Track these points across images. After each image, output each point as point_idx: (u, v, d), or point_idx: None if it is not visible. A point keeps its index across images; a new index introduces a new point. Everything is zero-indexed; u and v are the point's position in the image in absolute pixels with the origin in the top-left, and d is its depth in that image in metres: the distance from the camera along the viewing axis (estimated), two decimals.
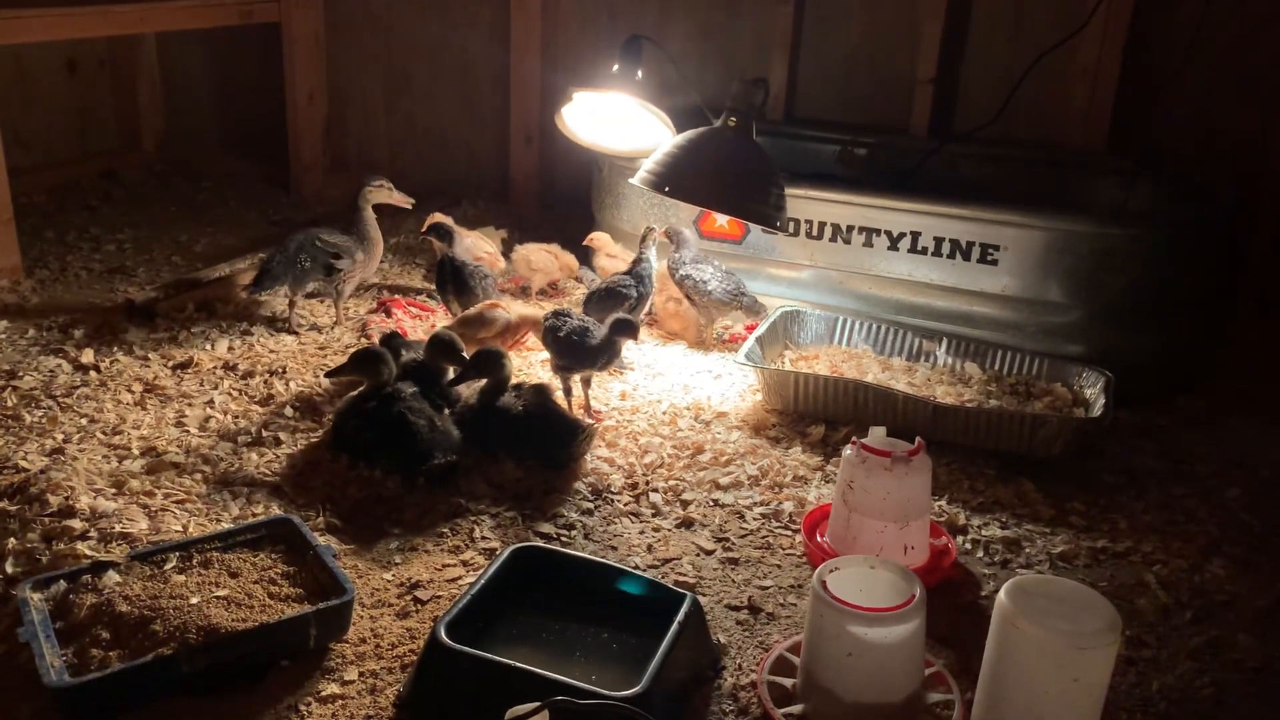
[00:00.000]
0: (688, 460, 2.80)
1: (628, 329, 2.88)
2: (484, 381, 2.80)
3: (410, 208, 3.70)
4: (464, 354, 2.88)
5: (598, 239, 3.81)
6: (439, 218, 3.48)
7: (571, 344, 2.90)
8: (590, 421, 2.92)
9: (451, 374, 2.91)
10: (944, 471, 2.78)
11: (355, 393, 2.81)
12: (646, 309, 3.46)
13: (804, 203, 3.43)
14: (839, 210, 3.43)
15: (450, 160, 5.04)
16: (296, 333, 3.49)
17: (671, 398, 3.19)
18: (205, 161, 5.26)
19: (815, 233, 3.47)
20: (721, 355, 3.53)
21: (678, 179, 3.12)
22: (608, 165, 3.88)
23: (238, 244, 4.28)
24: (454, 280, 3.26)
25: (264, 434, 2.79)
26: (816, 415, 3.01)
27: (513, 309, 3.27)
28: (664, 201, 3.68)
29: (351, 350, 2.89)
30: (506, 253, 4.22)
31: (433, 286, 3.82)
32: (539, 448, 2.69)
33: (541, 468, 2.67)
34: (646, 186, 3.17)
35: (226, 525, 2.35)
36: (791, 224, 3.46)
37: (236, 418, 2.88)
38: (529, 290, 3.86)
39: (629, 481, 2.68)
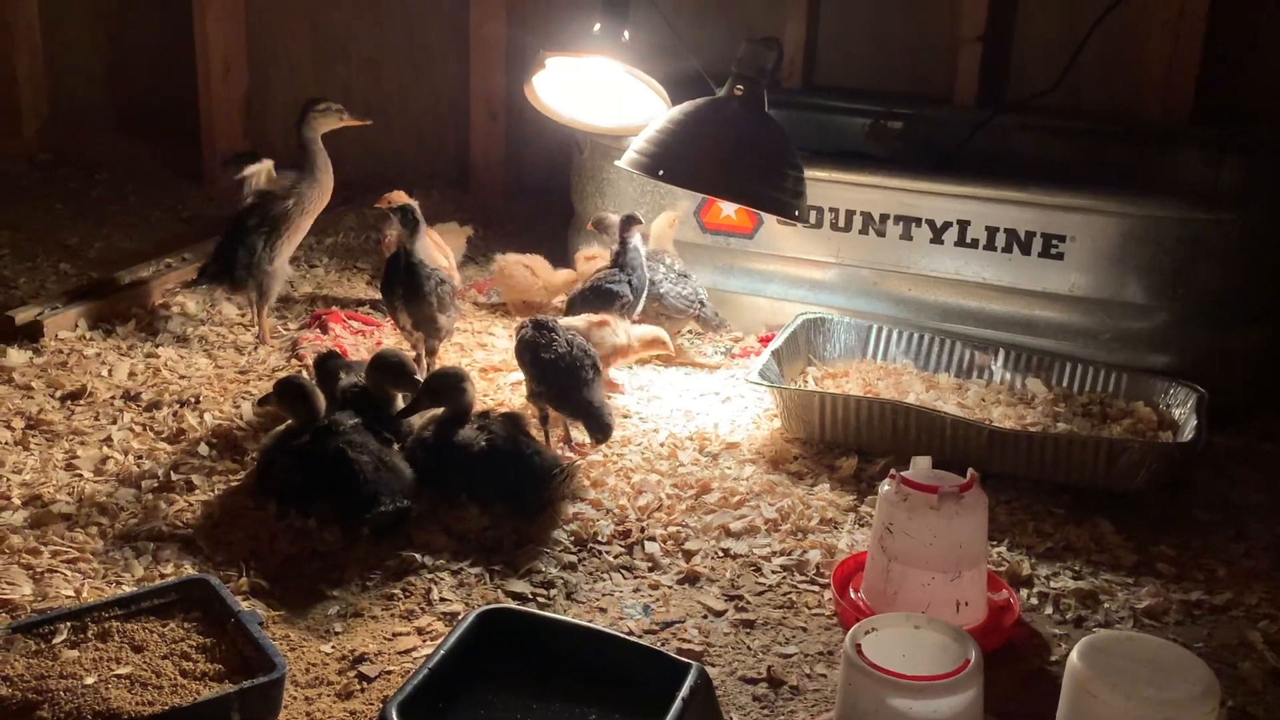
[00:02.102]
0: (691, 502, 2.81)
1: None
2: (441, 410, 2.81)
3: (368, 124, 3.76)
4: (415, 376, 2.90)
5: (604, 220, 3.74)
6: (403, 197, 3.45)
7: (556, 366, 2.91)
8: (571, 457, 2.93)
9: (401, 401, 2.92)
10: (1003, 511, 2.79)
11: (284, 426, 2.82)
12: (640, 309, 3.49)
13: (828, 187, 3.44)
14: (871, 196, 3.44)
15: (397, 142, 5.07)
16: (269, 344, 3.55)
17: (671, 426, 3.20)
18: (98, 149, 5.28)
19: (842, 223, 3.48)
20: (730, 374, 3.55)
21: (674, 161, 3.14)
22: (589, 145, 3.90)
23: (139, 247, 4.30)
24: (406, 283, 3.26)
25: (174, 477, 2.79)
26: (847, 445, 3.02)
27: (626, 329, 3.30)
28: (658, 188, 3.70)
29: (280, 376, 2.91)
30: (475, 257, 4.24)
31: (377, 296, 3.84)
32: (509, 489, 2.69)
33: (513, 514, 2.68)
34: (636, 170, 3.19)
35: (129, 589, 2.35)
36: (813, 213, 3.48)
37: (140, 458, 2.89)
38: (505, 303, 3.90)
39: (620, 529, 2.68)
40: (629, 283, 3.42)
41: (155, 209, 4.76)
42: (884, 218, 3.42)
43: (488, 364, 3.53)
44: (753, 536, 2.68)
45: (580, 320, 3.26)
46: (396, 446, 2.77)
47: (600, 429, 2.89)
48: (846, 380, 3.31)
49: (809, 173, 3.29)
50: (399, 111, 5.05)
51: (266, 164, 3.66)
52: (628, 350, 3.32)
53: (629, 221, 3.43)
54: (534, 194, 4.81)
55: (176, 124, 5.17)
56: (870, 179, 3.42)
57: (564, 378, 2.90)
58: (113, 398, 3.19)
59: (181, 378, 3.33)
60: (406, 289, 3.25)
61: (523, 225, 4.61)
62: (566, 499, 2.75)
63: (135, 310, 3.76)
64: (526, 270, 3.90)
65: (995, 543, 2.67)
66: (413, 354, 3.28)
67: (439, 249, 3.87)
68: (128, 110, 5.48)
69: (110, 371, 3.34)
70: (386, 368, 2.92)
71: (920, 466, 2.38)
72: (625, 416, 3.23)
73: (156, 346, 3.53)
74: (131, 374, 3.34)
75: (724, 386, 3.45)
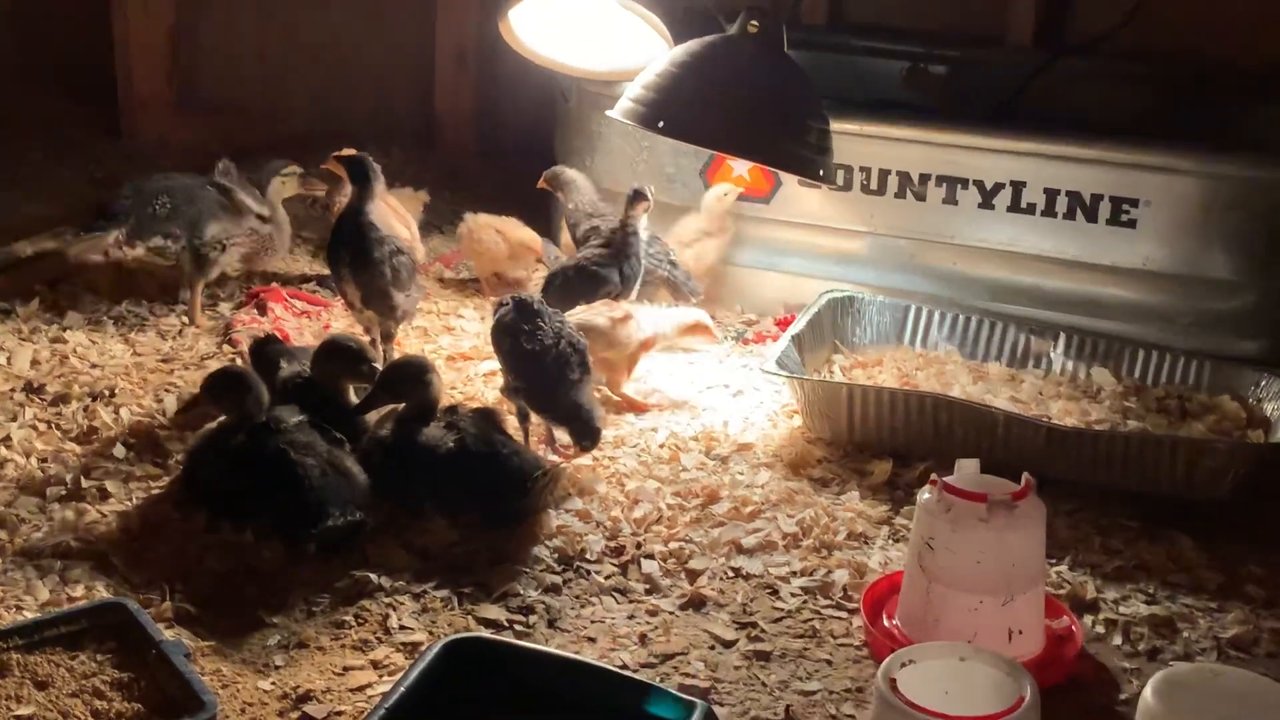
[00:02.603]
0: (696, 513, 2.80)
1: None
2: (401, 406, 2.80)
3: (323, 195, 3.96)
4: (372, 365, 2.89)
5: (559, 177, 3.79)
6: (352, 153, 3.49)
7: (539, 360, 2.90)
8: (555, 460, 2.92)
9: (355, 396, 2.91)
10: (1063, 523, 2.78)
11: (215, 423, 2.81)
12: (633, 297, 3.48)
13: (858, 142, 3.43)
14: (909, 153, 3.43)
15: (351, 91, 5.06)
16: (197, 326, 3.57)
17: (672, 424, 3.18)
18: None
19: (875, 185, 3.48)
20: (742, 361, 3.54)
21: (677, 110, 3.14)
22: (577, 93, 3.89)
23: (45, 213, 4.26)
24: (353, 247, 3.22)
25: (84, 484, 2.78)
26: (880, 446, 3.02)
27: (653, 317, 3.30)
28: (658, 144, 3.69)
29: (210, 370, 2.91)
30: (440, 225, 4.23)
31: (325, 271, 3.83)
32: (482, 498, 2.69)
33: (486, 527, 2.68)
34: (632, 122, 3.19)
35: (31, 615, 2.33)
36: (840, 173, 3.47)
37: (44, 461, 2.88)
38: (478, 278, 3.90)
39: (612, 544, 2.68)
40: (620, 270, 3.41)
41: (63, 169, 4.73)
42: (924, 178, 3.41)
43: (456, 351, 3.52)
44: (768, 554, 2.67)
45: (600, 318, 3.21)
46: (348, 448, 2.76)
47: (587, 434, 2.88)
48: (880, 370, 3.30)
49: (836, 125, 3.28)
50: (354, 55, 5.04)
51: (295, 170, 3.84)
52: (653, 343, 3.31)
53: (636, 198, 3.41)
54: (511, 152, 4.80)
55: (89, 71, 5.15)
56: (908, 132, 3.42)
57: (547, 375, 2.89)
58: (12, 390, 3.17)
59: (94, 366, 3.31)
60: (354, 255, 3.22)
61: (498, 189, 4.59)
62: (549, 509, 2.74)
63: (38, 287, 3.74)
64: (499, 236, 3.90)
65: (1054, 561, 2.66)
66: (368, 339, 3.28)
67: (400, 219, 3.86)
68: (31, 57, 5.45)
69: (9, 359, 3.33)
70: (337, 355, 2.91)
71: (966, 471, 2.37)
72: (617, 413, 3.22)
73: (64, 330, 3.52)
74: (34, 362, 3.32)
75: (735, 377, 3.44)
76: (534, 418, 2.99)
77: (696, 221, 3.73)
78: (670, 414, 3.24)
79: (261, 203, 3.78)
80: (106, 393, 3.16)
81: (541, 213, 4.12)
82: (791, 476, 2.95)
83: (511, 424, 2.94)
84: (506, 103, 4.81)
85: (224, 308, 3.74)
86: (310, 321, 3.67)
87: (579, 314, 3.21)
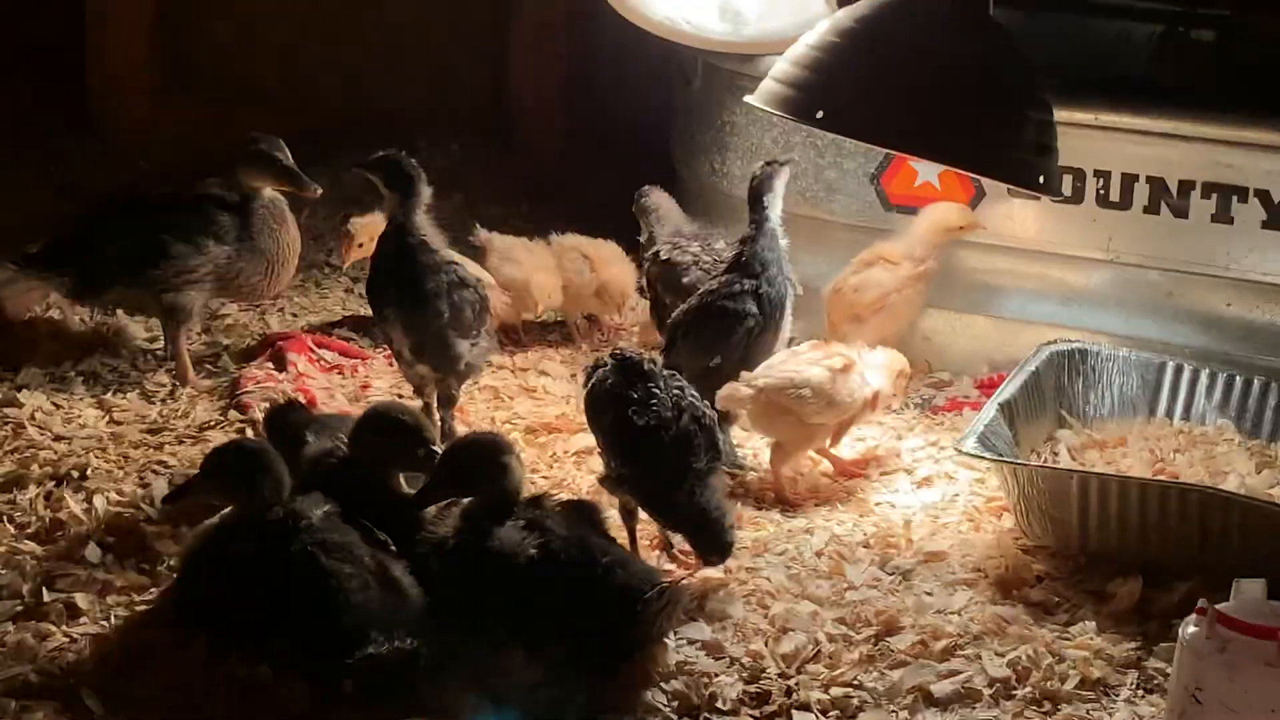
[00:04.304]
0: (868, 648, 2.79)
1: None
2: (468, 500, 2.84)
3: (316, 196, 3.91)
4: (431, 443, 2.92)
5: (641, 200, 3.89)
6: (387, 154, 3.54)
7: (654, 439, 2.93)
8: (674, 572, 2.95)
9: (406, 484, 2.95)
10: None
11: (219, 517, 2.85)
12: (787, 336, 3.53)
13: (1093, 137, 3.44)
14: (1163, 151, 3.42)
15: (396, 71, 5.18)
16: (197, 389, 3.65)
17: (832, 522, 3.20)
18: None
19: (1116, 196, 3.47)
20: (930, 437, 3.55)
21: (841, 96, 3.14)
22: (703, 72, 3.92)
23: None
24: (399, 276, 3.30)
25: (47, 596, 2.83)
26: (1125, 558, 3.00)
27: (874, 363, 3.36)
28: (810, 138, 3.73)
29: (212, 444, 2.95)
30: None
31: (365, 310, 3.91)
32: (575, 624, 2.70)
33: (581, 664, 2.68)
34: (779, 111, 3.20)
35: None
36: (1067, 180, 3.47)
37: None
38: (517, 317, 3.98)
39: (753, 689, 2.67)
40: (756, 293, 3.44)
41: (21, 174, 4.88)
42: (1185, 187, 3.41)
43: (538, 421, 3.58)
44: (969, 707, 2.65)
45: (815, 369, 3.26)
46: (396, 551, 2.79)
47: (716, 546, 2.91)
48: (1123, 453, 3.28)
49: (1061, 114, 3.26)
50: (405, 26, 5.16)
51: (375, 220, 3.82)
52: (879, 403, 3.36)
53: (764, 185, 3.45)
54: (610, 152, 4.88)
55: (53, 56, 5.29)
56: (1163, 123, 3.42)
57: (664, 463, 2.92)
58: None
59: (57, 439, 3.40)
60: (401, 288, 3.28)
61: (590, 197, 4.65)
62: (666, 639, 2.75)
63: None
64: (586, 265, 3.97)
65: None
66: (420, 404, 3.33)
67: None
68: None
69: None
70: (384, 431, 2.94)
71: (1249, 596, 2.34)
72: (758, 508, 3.24)
73: (18, 389, 3.62)
74: None
75: (920, 458, 3.45)
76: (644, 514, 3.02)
77: (889, 251, 3.76)
78: (830, 507, 3.25)
79: (306, 185, 3.79)
80: (75, 474, 3.23)
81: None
82: (1001, 599, 2.94)
83: (614, 522, 2.97)
84: (605, 86, 4.85)
85: (228, 360, 3.82)
86: (344, 379, 3.74)
87: (782, 366, 3.26)
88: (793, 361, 3.28)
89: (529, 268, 3.98)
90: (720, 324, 3.43)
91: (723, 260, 3.62)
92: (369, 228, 3.85)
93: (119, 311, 3.98)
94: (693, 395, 3.01)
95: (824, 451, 3.39)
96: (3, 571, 2.93)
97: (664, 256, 3.75)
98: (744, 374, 3.29)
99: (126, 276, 3.74)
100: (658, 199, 3.79)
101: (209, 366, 3.80)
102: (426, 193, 3.35)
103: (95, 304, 3.91)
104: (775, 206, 3.46)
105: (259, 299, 4.01)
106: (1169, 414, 3.41)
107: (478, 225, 4.06)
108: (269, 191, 3.78)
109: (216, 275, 3.75)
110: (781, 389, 3.21)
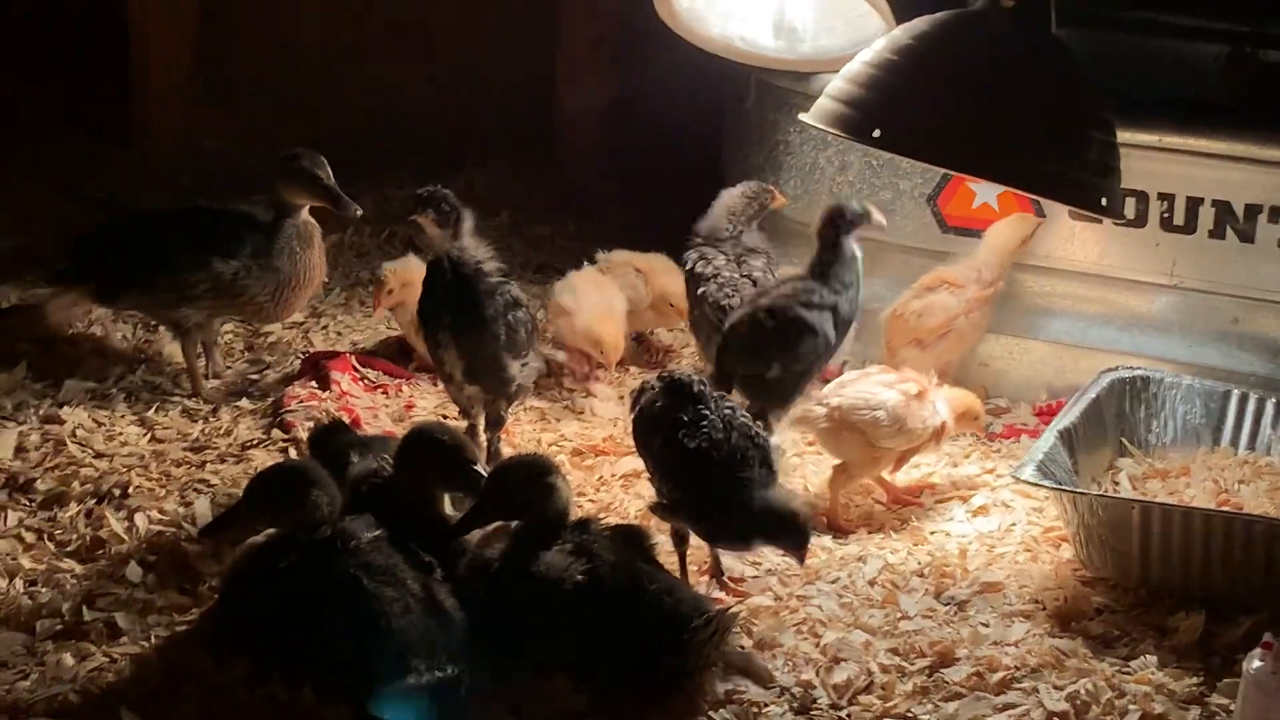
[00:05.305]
0: (922, 679, 2.77)
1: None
2: (513, 523, 2.83)
3: (356, 218, 3.89)
4: (473, 463, 2.92)
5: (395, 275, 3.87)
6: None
7: (705, 461, 2.91)
8: (724, 599, 2.93)
9: (450, 506, 2.95)
10: None
11: (263, 536, 2.85)
12: (847, 353, 3.53)
13: (1157, 159, 3.42)
14: (1230, 174, 3.40)
15: (448, 87, 5.17)
16: (213, 402, 3.67)
17: (886, 550, 3.18)
18: None
19: (1180, 219, 3.45)
20: (986, 464, 3.53)
21: (898, 115, 3.13)
22: (756, 89, 3.91)
23: (24, 246, 4.45)
24: (457, 301, 3.31)
25: (86, 616, 2.84)
26: (1188, 590, 2.97)
27: (943, 397, 3.36)
28: (868, 158, 3.72)
29: (254, 464, 2.95)
30: (553, 262, 4.29)
31: (411, 328, 3.89)
32: (621, 652, 2.69)
33: (628, 691, 2.68)
34: (835, 130, 3.19)
35: None
36: (1130, 202, 3.45)
37: (33, 584, 2.95)
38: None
39: (804, 718, 2.69)
40: (833, 310, 3.42)
41: (55, 184, 4.90)
42: (1253, 211, 3.39)
43: (585, 443, 3.57)
44: None
45: (889, 392, 3.26)
46: (441, 576, 2.79)
47: (796, 542, 2.88)
48: (1186, 483, 3.26)
49: (1124, 135, 3.25)
50: (447, 35, 5.17)
51: (408, 266, 3.86)
52: (945, 435, 3.35)
53: (843, 219, 3.43)
54: (656, 167, 4.88)
55: (89, 54, 5.31)
56: (1228, 146, 3.40)
57: (717, 481, 2.91)
58: None
59: (99, 456, 3.41)
60: (458, 311, 3.30)
61: (637, 216, 4.65)
62: (714, 668, 2.74)
63: (26, 346, 3.89)
64: (639, 279, 3.96)
65: None
66: (465, 425, 3.33)
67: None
68: (14, 36, 5.62)
69: None
70: (425, 449, 2.93)
71: None
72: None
73: (59, 406, 3.63)
74: (20, 449, 3.43)
75: (976, 487, 3.44)
76: (695, 539, 3.01)
77: (951, 275, 3.74)
78: (883, 535, 3.23)
79: (346, 206, 3.76)
80: (116, 492, 3.24)
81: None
82: (1059, 631, 2.91)
83: (663, 547, 2.96)
84: (656, 103, 4.85)
85: (271, 376, 3.83)
86: (388, 399, 3.74)
87: (855, 386, 3.26)
88: (865, 382, 3.28)
89: (597, 316, 3.91)
90: (791, 332, 3.39)
91: (746, 276, 3.66)
92: (401, 274, 3.85)
93: (160, 329, 3.98)
94: (744, 416, 3.00)
95: (879, 479, 3.36)
96: (43, 590, 2.95)
97: (688, 266, 3.75)
98: (816, 392, 3.33)
99: (135, 288, 3.77)
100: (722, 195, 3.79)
101: (255, 385, 3.83)
102: (470, 220, 3.35)
103: (116, 309, 3.98)
104: (852, 236, 3.45)
105: (267, 320, 4.02)
106: (1233, 443, 3.37)
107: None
108: (304, 213, 3.77)
109: (218, 292, 3.74)
110: (856, 408, 3.21)
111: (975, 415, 3.43)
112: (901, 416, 3.21)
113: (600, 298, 3.91)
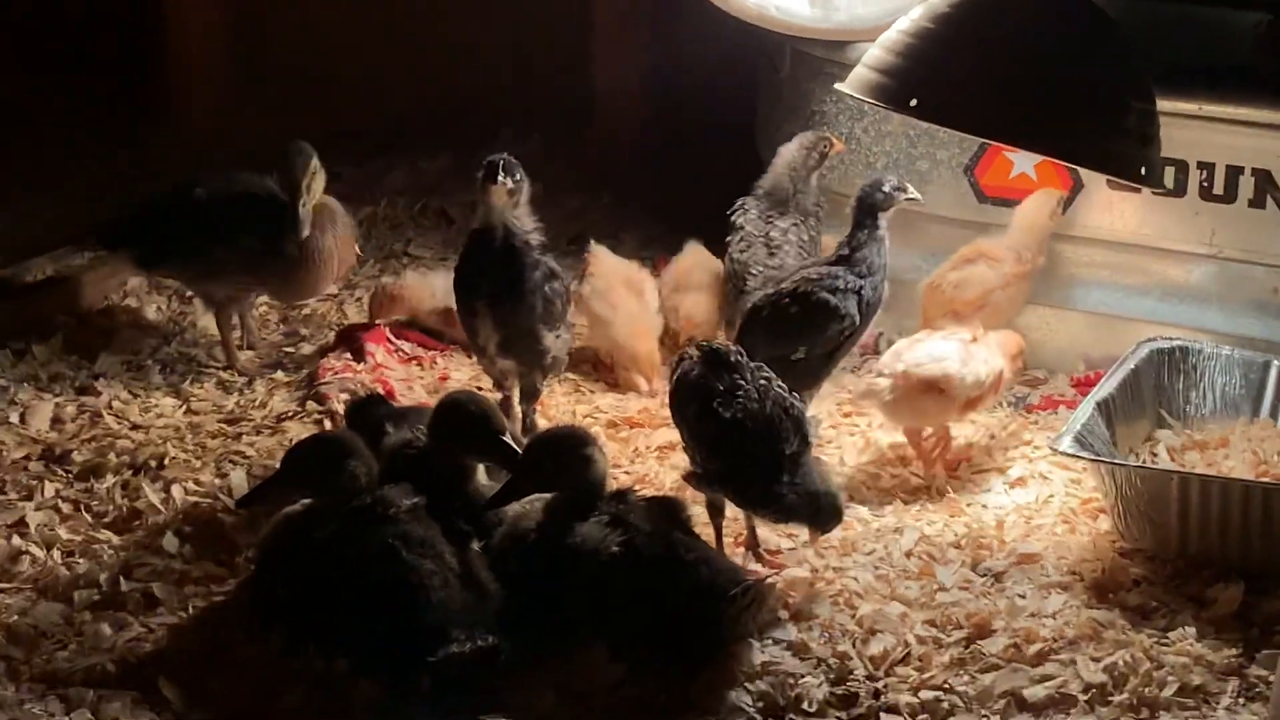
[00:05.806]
0: (959, 650, 2.78)
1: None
2: (550, 495, 2.85)
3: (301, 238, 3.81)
4: (501, 431, 2.92)
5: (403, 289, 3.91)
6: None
7: (740, 431, 2.92)
8: (759, 571, 2.94)
9: (485, 477, 2.96)
10: None
11: (297, 506, 2.87)
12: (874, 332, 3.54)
13: (1196, 128, 3.42)
14: (1268, 144, 3.40)
15: (482, 61, 5.18)
16: (247, 374, 3.71)
17: (922, 522, 3.19)
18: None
19: (1220, 189, 3.45)
20: (1024, 435, 3.53)
21: (935, 84, 3.12)
22: (791, 58, 3.91)
23: (59, 222, 4.47)
24: (501, 273, 3.31)
25: (124, 587, 2.87)
26: (1227, 562, 2.97)
27: (994, 344, 3.39)
28: (903, 127, 3.72)
29: (289, 435, 2.95)
30: (589, 235, 4.29)
31: (442, 305, 3.91)
32: (658, 622, 2.70)
33: (664, 662, 2.69)
34: (871, 99, 3.18)
35: None
36: (1170, 171, 3.44)
37: (70, 555, 2.99)
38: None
39: (839, 691, 2.67)
40: (859, 292, 3.42)
41: (92, 166, 4.92)
42: None
43: (620, 415, 3.59)
44: (1064, 712, 2.64)
45: (951, 342, 3.30)
46: (478, 546, 2.81)
47: (827, 515, 2.92)
48: (1225, 454, 3.25)
49: (1164, 103, 3.23)
50: (486, 14, 5.18)
51: (411, 280, 3.97)
52: (1000, 385, 3.38)
53: (884, 204, 3.43)
54: (691, 138, 4.88)
55: (121, 33, 5.32)
56: (1269, 115, 3.39)
57: (753, 454, 2.91)
58: (27, 458, 3.31)
59: (135, 428, 3.44)
60: (497, 284, 3.31)
61: (672, 187, 4.64)
62: (751, 639, 2.75)
63: (62, 319, 3.93)
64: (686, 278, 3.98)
65: None
66: (499, 397, 3.35)
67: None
68: (44, 12, 5.64)
69: (22, 417, 3.48)
70: (453, 418, 2.94)
71: None
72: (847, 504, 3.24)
73: (95, 378, 3.66)
74: (56, 421, 3.47)
75: (1013, 459, 3.44)
76: (731, 510, 3.02)
77: (991, 249, 3.74)
78: (919, 506, 3.24)
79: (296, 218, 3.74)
80: (152, 464, 3.27)
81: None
82: (1097, 603, 2.92)
83: (699, 518, 2.97)
84: (691, 74, 4.84)
85: (306, 348, 3.85)
86: (422, 371, 3.76)
87: (912, 350, 3.30)
88: (919, 345, 3.32)
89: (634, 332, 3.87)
90: (817, 316, 3.40)
91: (763, 236, 3.74)
92: (405, 288, 3.92)
93: (195, 301, 4.00)
94: (780, 386, 3.00)
95: (921, 449, 3.37)
96: (80, 561, 2.98)
97: (731, 253, 3.80)
98: (875, 364, 3.41)
99: (171, 260, 3.83)
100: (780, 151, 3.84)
101: (287, 356, 3.87)
102: (525, 190, 3.35)
103: (155, 276, 4.06)
104: (886, 217, 3.45)
105: (290, 300, 4.05)
106: (1273, 415, 3.36)
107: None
108: (323, 196, 3.79)
109: (246, 270, 3.78)
110: (922, 365, 3.24)
111: (1021, 351, 3.48)
112: (968, 360, 3.24)
113: (637, 305, 3.90)
